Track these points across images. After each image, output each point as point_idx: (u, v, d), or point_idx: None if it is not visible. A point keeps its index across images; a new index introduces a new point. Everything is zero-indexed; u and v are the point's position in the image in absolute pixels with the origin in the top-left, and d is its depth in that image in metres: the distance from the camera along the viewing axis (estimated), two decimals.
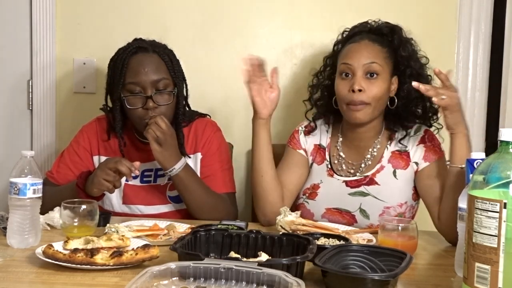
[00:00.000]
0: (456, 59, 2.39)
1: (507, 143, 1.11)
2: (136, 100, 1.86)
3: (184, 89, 1.98)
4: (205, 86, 2.34)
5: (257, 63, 1.79)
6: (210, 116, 2.11)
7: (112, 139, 1.99)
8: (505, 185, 1.07)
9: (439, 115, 1.87)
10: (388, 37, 1.84)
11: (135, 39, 1.97)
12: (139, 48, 1.89)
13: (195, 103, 2.10)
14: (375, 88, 1.75)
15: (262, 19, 2.39)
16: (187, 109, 2.02)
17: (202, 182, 1.90)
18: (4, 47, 2.42)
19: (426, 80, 1.83)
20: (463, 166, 1.58)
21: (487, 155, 1.24)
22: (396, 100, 1.82)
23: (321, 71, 1.95)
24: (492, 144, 2.37)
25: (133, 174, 1.76)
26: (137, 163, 1.76)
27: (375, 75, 1.76)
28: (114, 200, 1.96)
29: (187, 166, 1.87)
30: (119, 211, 1.95)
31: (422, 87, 1.60)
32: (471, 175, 1.17)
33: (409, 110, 1.84)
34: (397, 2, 2.35)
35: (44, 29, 2.37)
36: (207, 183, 1.93)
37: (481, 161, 1.28)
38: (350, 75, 1.77)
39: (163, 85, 1.87)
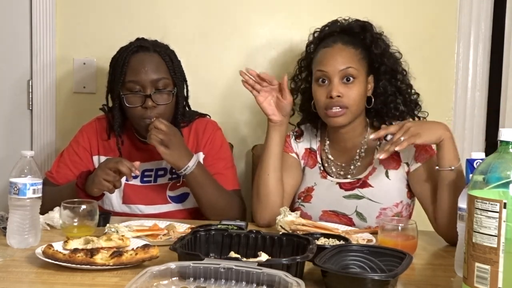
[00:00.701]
0: (456, 59, 2.39)
1: (507, 143, 1.11)
2: (135, 99, 1.86)
3: (185, 90, 1.98)
4: (205, 86, 2.34)
5: (254, 74, 1.79)
6: (210, 116, 2.11)
7: (112, 139, 1.99)
8: (505, 185, 1.07)
9: (420, 103, 1.87)
10: (360, 35, 1.83)
11: (137, 39, 1.97)
12: (140, 47, 1.90)
13: (195, 103, 2.10)
14: (353, 92, 1.74)
15: (262, 18, 2.39)
16: (187, 109, 2.02)
17: (214, 178, 1.90)
18: (4, 47, 2.42)
19: (401, 74, 1.84)
20: (452, 167, 1.59)
21: (487, 155, 1.24)
22: (372, 99, 1.82)
23: (297, 74, 1.96)
24: (492, 144, 2.37)
25: (133, 174, 1.76)
26: (137, 163, 1.75)
27: (351, 79, 1.75)
28: (114, 200, 1.96)
29: (199, 162, 1.86)
30: (119, 211, 1.95)
31: (384, 155, 1.59)
32: (471, 175, 1.17)
33: (389, 106, 1.84)
34: (397, 2, 2.35)
35: (44, 29, 2.37)
36: None
37: (481, 161, 1.28)
38: (326, 81, 1.76)
39: (163, 84, 1.87)
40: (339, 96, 1.73)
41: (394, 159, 1.80)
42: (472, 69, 2.39)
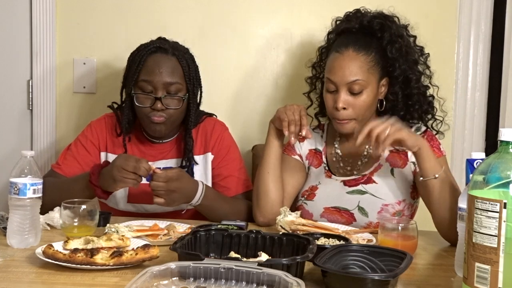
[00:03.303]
0: (456, 59, 2.39)
1: (507, 143, 1.11)
2: (145, 99, 1.86)
3: (198, 96, 1.97)
4: (204, 86, 2.33)
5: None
6: (216, 116, 2.10)
7: (121, 137, 1.98)
8: (505, 185, 1.07)
9: (433, 110, 1.89)
10: (377, 34, 1.81)
11: (159, 38, 1.97)
12: (159, 48, 1.89)
13: None
14: (360, 103, 1.75)
15: (262, 18, 2.39)
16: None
17: (221, 194, 1.90)
18: (4, 47, 2.42)
19: (415, 80, 1.82)
20: (437, 175, 1.59)
21: (487, 155, 1.24)
22: (384, 103, 1.83)
23: (318, 62, 1.97)
24: (492, 144, 2.37)
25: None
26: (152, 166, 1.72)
27: (359, 91, 1.74)
28: (119, 198, 1.95)
29: (205, 187, 1.82)
30: (124, 210, 1.95)
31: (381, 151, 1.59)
32: (471, 175, 1.17)
33: (398, 112, 1.83)
34: (397, 2, 2.34)
35: (44, 29, 2.36)
36: (226, 184, 1.94)
37: (481, 161, 1.28)
38: (334, 90, 1.77)
39: (175, 89, 1.86)
40: (344, 108, 1.74)
41: (401, 158, 1.81)
42: (472, 69, 2.40)
